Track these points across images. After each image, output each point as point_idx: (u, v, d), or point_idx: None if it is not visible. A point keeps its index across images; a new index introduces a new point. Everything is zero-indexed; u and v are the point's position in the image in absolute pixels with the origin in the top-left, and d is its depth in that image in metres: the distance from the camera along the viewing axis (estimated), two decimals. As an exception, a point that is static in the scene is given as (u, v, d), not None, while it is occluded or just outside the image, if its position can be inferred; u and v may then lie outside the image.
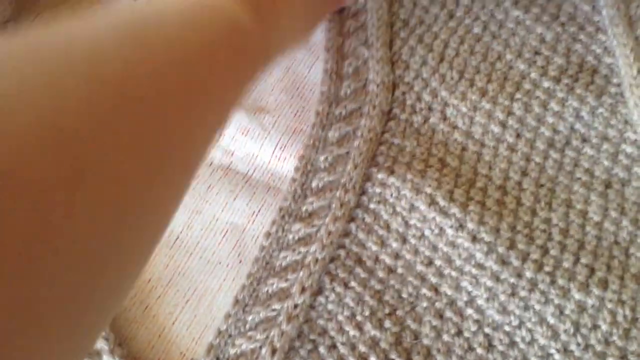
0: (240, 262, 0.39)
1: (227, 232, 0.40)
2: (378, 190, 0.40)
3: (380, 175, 0.40)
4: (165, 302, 0.38)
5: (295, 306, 0.36)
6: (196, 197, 0.41)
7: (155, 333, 0.37)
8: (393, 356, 0.35)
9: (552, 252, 0.38)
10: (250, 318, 0.36)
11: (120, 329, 0.37)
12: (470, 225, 0.38)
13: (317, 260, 0.37)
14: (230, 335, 0.36)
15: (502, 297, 0.36)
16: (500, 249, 0.37)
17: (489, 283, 0.37)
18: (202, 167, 0.42)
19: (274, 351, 0.35)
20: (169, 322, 0.38)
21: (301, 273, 0.37)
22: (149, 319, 0.38)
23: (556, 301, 0.36)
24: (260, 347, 0.35)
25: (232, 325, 0.36)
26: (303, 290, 0.37)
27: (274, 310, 0.36)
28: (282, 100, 0.44)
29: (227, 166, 0.42)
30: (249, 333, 0.36)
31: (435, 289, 0.37)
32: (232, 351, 0.36)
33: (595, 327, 0.36)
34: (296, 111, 0.44)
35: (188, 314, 0.38)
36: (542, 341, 0.36)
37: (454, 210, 0.38)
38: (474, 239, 0.38)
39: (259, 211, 0.41)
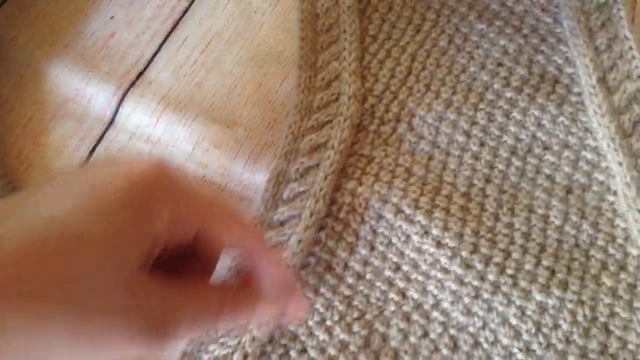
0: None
1: (200, 242, 0.41)
2: (347, 200, 0.41)
3: (349, 186, 0.41)
4: (141, 311, 0.39)
5: (266, 312, 0.37)
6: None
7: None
8: (362, 358, 0.37)
9: (514, 255, 0.39)
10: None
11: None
12: (435, 232, 0.39)
13: (288, 268, 0.38)
14: (202, 342, 0.37)
15: (466, 300, 0.38)
16: (464, 254, 0.39)
17: (454, 286, 0.38)
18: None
19: (245, 356, 0.36)
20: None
21: (272, 280, 0.38)
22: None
23: (518, 302, 0.37)
24: (232, 353, 0.37)
25: (205, 332, 0.37)
26: (274, 296, 0.38)
27: (245, 316, 0.37)
28: (255, 114, 0.46)
29: (201, 178, 0.44)
30: (221, 339, 0.37)
31: (403, 293, 0.39)
32: (205, 357, 0.37)
33: (556, 326, 0.37)
34: (268, 124, 0.45)
35: (163, 322, 0.39)
36: (505, 341, 0.37)
37: (419, 217, 0.40)
38: (439, 244, 0.39)
39: (231, 221, 0.42)
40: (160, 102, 0.46)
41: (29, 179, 0.46)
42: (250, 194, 0.43)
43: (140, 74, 0.48)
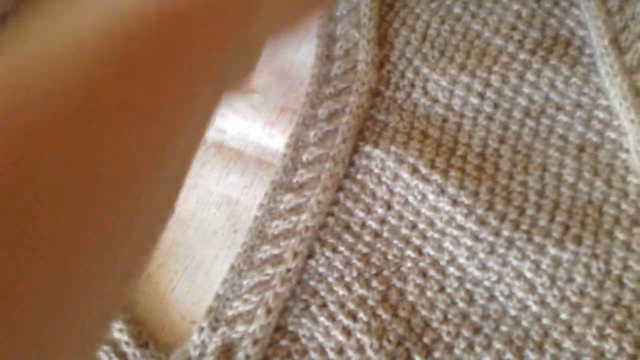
0: (235, 231, 0.42)
1: (221, 204, 0.42)
2: (364, 162, 0.42)
3: (366, 149, 0.42)
4: (166, 270, 0.41)
5: (288, 270, 0.38)
6: (191, 172, 0.43)
7: (157, 298, 0.40)
8: (380, 312, 0.38)
9: (529, 212, 0.40)
10: (245, 282, 0.39)
11: (124, 296, 0.40)
12: (451, 190, 0.40)
13: (307, 227, 0.40)
14: (227, 299, 0.38)
15: (482, 255, 0.39)
16: (479, 211, 0.40)
17: (469, 242, 0.39)
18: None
19: (268, 311, 0.37)
20: (169, 289, 0.40)
21: (293, 240, 0.39)
22: (150, 286, 0.40)
23: (532, 257, 0.38)
24: (256, 308, 0.38)
25: (229, 289, 0.39)
26: (295, 255, 0.39)
27: (267, 274, 0.39)
28: (271, 81, 0.47)
29: (220, 143, 0.45)
30: (245, 296, 0.38)
31: (419, 250, 0.40)
32: (229, 313, 0.38)
33: (571, 280, 0.38)
34: (284, 91, 0.46)
35: (187, 280, 0.40)
36: (520, 294, 0.38)
37: (435, 177, 0.41)
38: (455, 202, 0.40)
39: (251, 184, 0.43)
40: (180, 72, 0.47)
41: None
42: (269, 158, 0.44)
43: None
